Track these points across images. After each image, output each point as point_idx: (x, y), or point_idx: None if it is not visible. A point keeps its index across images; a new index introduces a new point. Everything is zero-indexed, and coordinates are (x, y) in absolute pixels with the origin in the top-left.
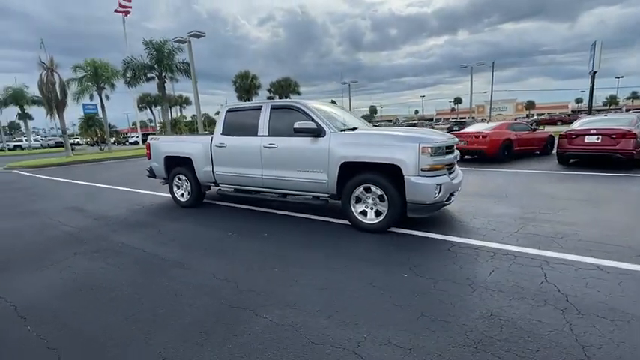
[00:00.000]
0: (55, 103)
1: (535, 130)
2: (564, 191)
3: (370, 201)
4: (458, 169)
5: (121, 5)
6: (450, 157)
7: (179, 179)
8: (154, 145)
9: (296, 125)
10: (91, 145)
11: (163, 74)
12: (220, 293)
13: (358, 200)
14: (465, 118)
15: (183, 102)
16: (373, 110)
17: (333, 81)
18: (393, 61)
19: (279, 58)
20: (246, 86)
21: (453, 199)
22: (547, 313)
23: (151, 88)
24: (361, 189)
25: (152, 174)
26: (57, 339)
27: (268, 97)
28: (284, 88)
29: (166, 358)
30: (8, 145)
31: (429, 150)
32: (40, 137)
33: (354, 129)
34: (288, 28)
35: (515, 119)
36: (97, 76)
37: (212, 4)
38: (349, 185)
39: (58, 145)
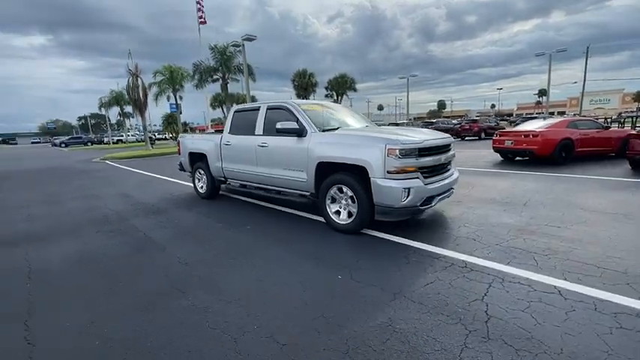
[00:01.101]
0: (138, 103)
1: (607, 127)
2: (606, 202)
3: (343, 201)
4: (452, 171)
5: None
6: (426, 159)
7: (199, 173)
8: (182, 143)
9: (278, 125)
10: (174, 140)
11: (226, 75)
12: (173, 275)
13: (333, 200)
14: (546, 112)
15: (250, 101)
16: (441, 105)
17: (400, 75)
18: (468, 52)
19: (346, 55)
20: (303, 84)
21: (433, 203)
22: (450, 332)
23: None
24: (335, 189)
25: (182, 167)
26: (39, 295)
27: (326, 95)
28: (340, 84)
29: (94, 322)
30: (112, 139)
31: (397, 152)
32: (137, 132)
33: (336, 129)
34: (357, 23)
35: (620, 114)
36: (173, 80)
37: (284, 5)
38: (324, 185)
39: (150, 139)
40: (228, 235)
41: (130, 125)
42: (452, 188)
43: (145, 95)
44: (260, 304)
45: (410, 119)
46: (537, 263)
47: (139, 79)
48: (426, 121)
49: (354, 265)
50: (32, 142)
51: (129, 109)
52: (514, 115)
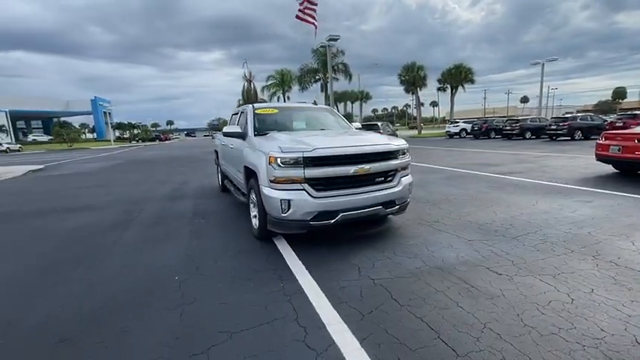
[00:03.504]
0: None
1: None
2: None
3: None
4: (384, 185)
5: (302, 15)
6: (320, 170)
7: (219, 168)
8: (214, 140)
9: (224, 129)
10: None
11: (326, 75)
12: (95, 250)
13: (255, 204)
14: None
15: (364, 97)
16: (619, 93)
17: (568, 57)
18: None
19: (492, 39)
20: (411, 79)
21: (332, 220)
22: (155, 350)
23: (336, 87)
24: (253, 193)
25: (215, 163)
26: (32, 244)
27: (438, 89)
28: (454, 76)
29: (21, 271)
30: None
31: (277, 160)
32: None
33: (266, 133)
34: (509, 1)
35: None
36: (283, 82)
37: None
38: (248, 188)
39: None
40: (180, 224)
41: None
42: (383, 204)
43: (257, 97)
44: (97, 288)
45: (567, 113)
46: (367, 312)
47: (252, 83)
48: (565, 115)
49: (211, 270)
50: (204, 136)
51: None
52: None
